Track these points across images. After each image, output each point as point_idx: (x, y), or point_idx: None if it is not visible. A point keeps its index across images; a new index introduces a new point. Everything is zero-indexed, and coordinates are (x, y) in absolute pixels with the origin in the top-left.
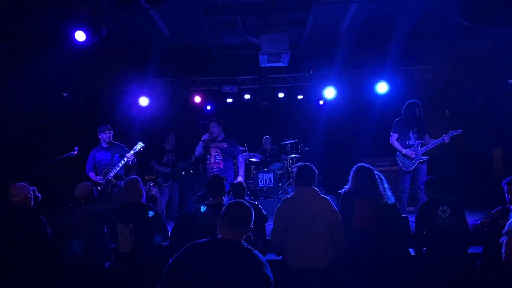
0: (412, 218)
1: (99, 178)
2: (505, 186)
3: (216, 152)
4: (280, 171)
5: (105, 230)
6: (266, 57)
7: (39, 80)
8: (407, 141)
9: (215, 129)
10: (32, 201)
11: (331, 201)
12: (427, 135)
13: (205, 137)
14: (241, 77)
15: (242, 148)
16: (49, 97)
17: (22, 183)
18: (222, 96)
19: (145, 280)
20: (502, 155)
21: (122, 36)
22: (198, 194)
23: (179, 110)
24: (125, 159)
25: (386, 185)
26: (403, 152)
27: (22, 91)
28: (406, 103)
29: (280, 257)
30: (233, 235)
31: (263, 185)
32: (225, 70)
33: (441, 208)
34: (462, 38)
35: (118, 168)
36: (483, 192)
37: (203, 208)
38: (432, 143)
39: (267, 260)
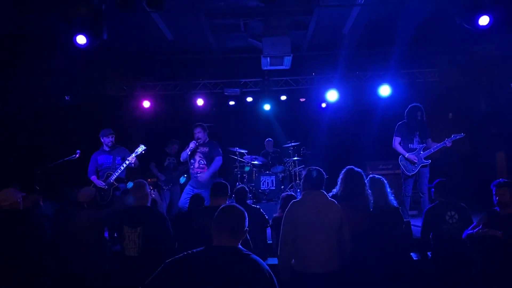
0: (414, 222)
1: (100, 183)
2: (494, 188)
3: (200, 157)
4: (282, 174)
5: (106, 234)
6: (269, 60)
7: (41, 84)
8: (410, 145)
9: (200, 134)
10: (21, 205)
11: (338, 205)
12: (429, 139)
13: (192, 144)
14: (243, 80)
15: (244, 151)
16: (51, 100)
17: (10, 188)
18: (225, 98)
19: None
20: (505, 158)
21: (125, 39)
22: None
23: (181, 113)
24: (127, 162)
25: (388, 189)
26: (405, 156)
27: (24, 94)
28: (409, 106)
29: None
30: (228, 241)
31: (265, 188)
32: (227, 73)
33: (449, 213)
34: (466, 42)
35: (119, 171)
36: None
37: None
38: (435, 147)
39: (269, 265)
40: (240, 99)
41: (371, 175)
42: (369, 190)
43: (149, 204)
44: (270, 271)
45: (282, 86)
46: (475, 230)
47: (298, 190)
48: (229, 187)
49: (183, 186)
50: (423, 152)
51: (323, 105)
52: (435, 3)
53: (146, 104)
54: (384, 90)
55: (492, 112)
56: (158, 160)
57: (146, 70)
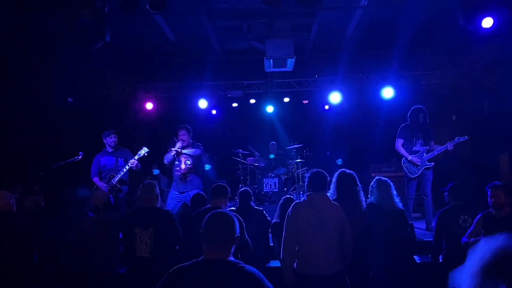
0: (417, 225)
1: (102, 184)
2: (489, 190)
3: (185, 157)
4: (285, 176)
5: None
6: (271, 62)
7: (44, 85)
8: (413, 147)
9: (185, 136)
10: (15, 207)
11: (341, 208)
12: (432, 141)
13: (177, 148)
14: (246, 82)
15: (247, 152)
16: (53, 102)
17: (2, 190)
18: (228, 100)
19: None
20: (508, 160)
21: (127, 41)
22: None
23: (184, 114)
24: (129, 165)
25: (394, 192)
26: (408, 159)
27: (26, 96)
28: (411, 108)
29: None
30: (217, 254)
31: (268, 190)
32: (230, 75)
33: (462, 217)
34: (469, 43)
35: (122, 173)
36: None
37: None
38: (438, 149)
39: (271, 268)
40: (243, 101)
41: (377, 177)
42: (361, 191)
43: (158, 205)
44: (265, 280)
45: (285, 88)
46: (472, 239)
47: (301, 192)
48: (228, 189)
49: None
50: (426, 154)
51: (326, 107)
52: (437, 5)
53: (149, 106)
54: (387, 92)
55: (496, 114)
56: (159, 162)
57: (149, 72)
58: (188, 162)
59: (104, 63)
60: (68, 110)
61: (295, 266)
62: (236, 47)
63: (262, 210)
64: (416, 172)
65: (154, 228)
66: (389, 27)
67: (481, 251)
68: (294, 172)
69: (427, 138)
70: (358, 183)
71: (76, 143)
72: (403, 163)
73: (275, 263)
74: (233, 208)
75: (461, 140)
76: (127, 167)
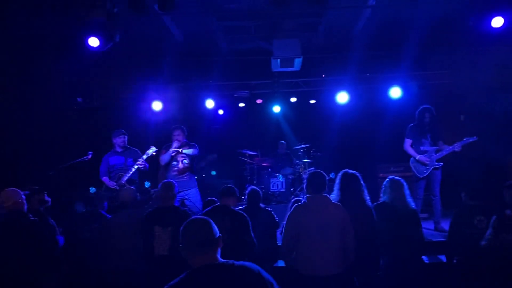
0: (425, 225)
1: (112, 183)
2: (505, 190)
3: (182, 156)
4: (292, 176)
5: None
6: (279, 62)
7: (53, 85)
8: (421, 147)
9: (180, 136)
10: (25, 205)
11: (343, 208)
12: (441, 141)
13: (175, 148)
14: (253, 82)
15: (254, 153)
16: (63, 102)
17: (11, 188)
18: (234, 100)
19: None
20: None
21: (136, 41)
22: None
23: (191, 114)
24: (137, 164)
25: (407, 191)
26: (417, 158)
27: (36, 96)
28: (419, 108)
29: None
30: (206, 259)
31: (275, 190)
32: (237, 75)
33: (477, 218)
34: (478, 43)
35: (131, 173)
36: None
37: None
38: (447, 149)
39: (278, 267)
40: (249, 101)
41: (390, 176)
42: (366, 190)
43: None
44: (261, 270)
45: (292, 88)
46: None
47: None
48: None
49: None
50: (435, 154)
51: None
52: (447, 4)
53: (157, 106)
54: (395, 92)
55: (505, 114)
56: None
57: (156, 72)
58: (186, 162)
59: (113, 63)
60: (78, 110)
61: (298, 266)
62: (243, 47)
63: (270, 211)
64: (424, 172)
65: (173, 227)
66: (398, 26)
67: None
68: (301, 172)
69: (436, 138)
70: (362, 182)
71: (86, 143)
72: (411, 163)
73: (283, 263)
74: (241, 207)
75: (470, 140)
76: (135, 167)
